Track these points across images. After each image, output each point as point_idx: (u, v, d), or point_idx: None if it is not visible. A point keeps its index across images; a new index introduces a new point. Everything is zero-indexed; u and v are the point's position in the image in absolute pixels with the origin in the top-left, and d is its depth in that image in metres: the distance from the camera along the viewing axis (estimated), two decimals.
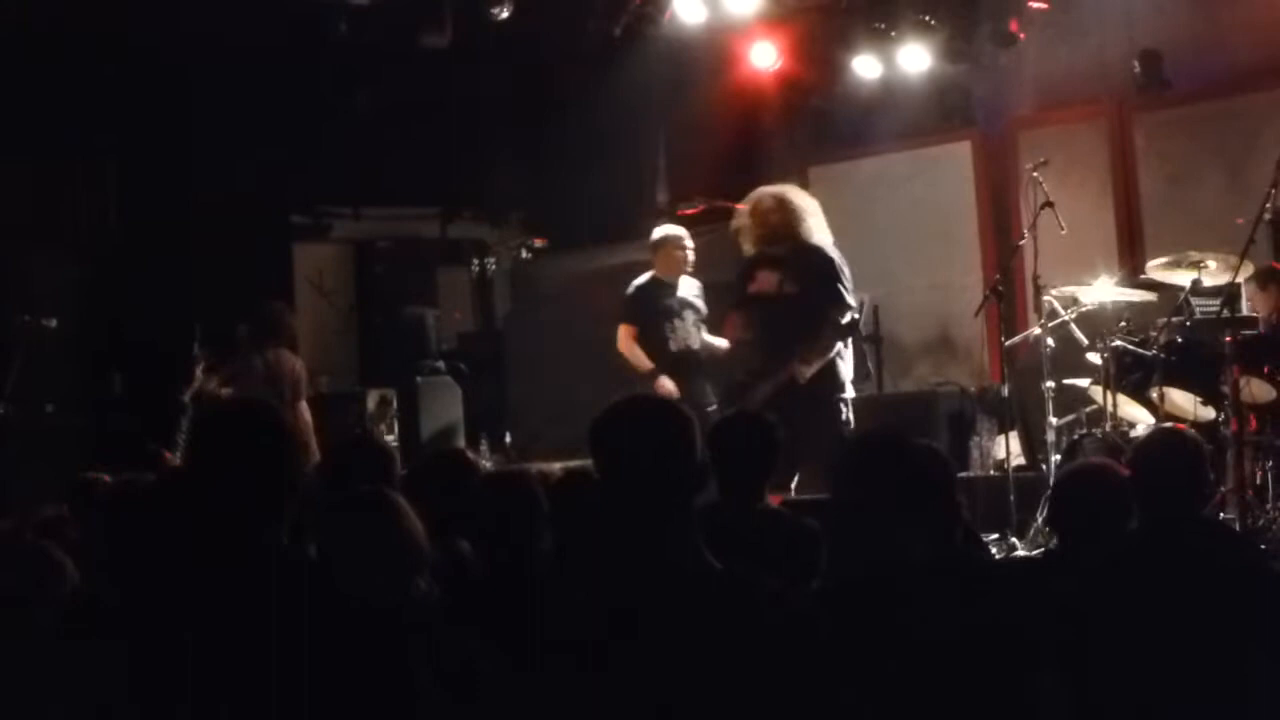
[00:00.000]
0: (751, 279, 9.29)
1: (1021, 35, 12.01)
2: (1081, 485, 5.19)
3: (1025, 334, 10.08)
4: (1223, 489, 8.50)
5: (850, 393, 9.26)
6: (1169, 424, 8.63)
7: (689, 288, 10.00)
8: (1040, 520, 8.78)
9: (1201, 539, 4.75)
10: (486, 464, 11.40)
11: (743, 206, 9.47)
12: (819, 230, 9.28)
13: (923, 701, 3.92)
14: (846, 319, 9.19)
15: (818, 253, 9.19)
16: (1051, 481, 8.32)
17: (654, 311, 9.92)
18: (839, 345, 9.15)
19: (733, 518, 5.44)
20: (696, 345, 9.88)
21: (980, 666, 3.98)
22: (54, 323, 12.05)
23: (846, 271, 9.20)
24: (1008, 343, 10.06)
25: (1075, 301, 9.68)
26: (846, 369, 9.23)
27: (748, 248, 9.42)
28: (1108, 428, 9.10)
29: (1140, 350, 9.14)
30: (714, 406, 9.55)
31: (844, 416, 9.11)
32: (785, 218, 9.21)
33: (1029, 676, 4.07)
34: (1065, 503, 5.30)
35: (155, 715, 3.24)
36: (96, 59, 12.31)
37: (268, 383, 10.91)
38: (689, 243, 9.99)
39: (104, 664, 3.32)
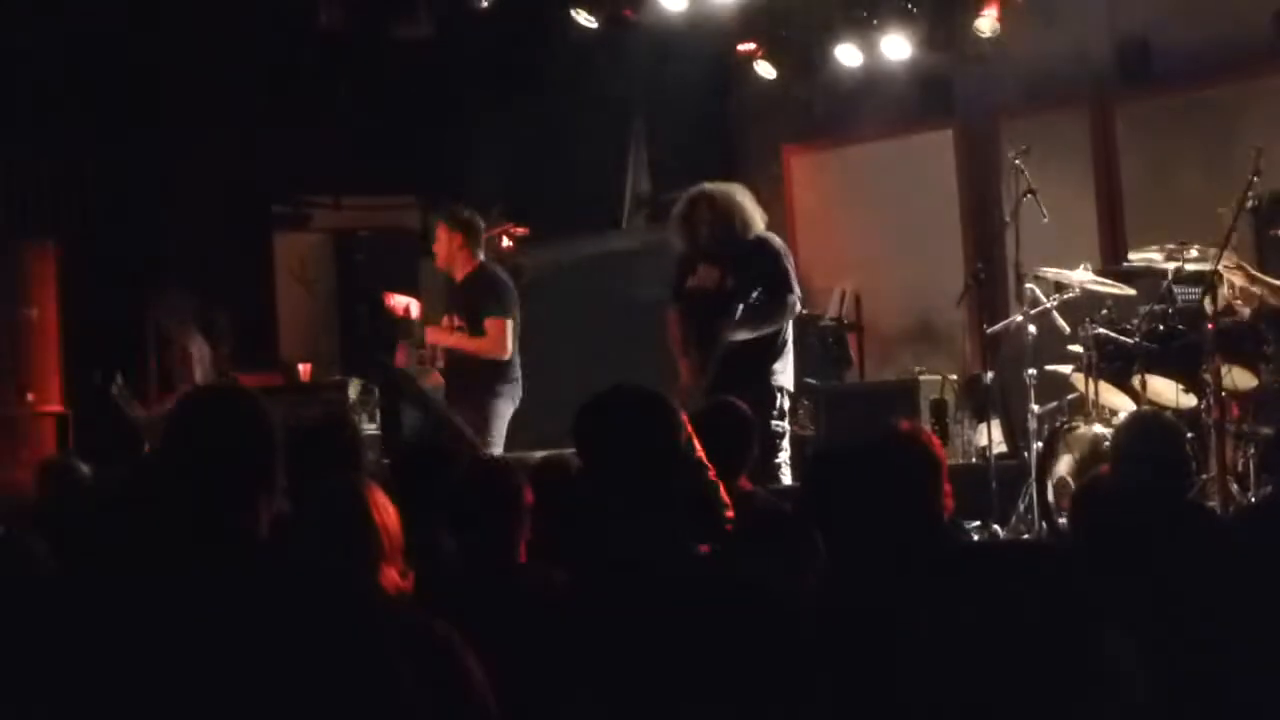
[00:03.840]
0: (691, 273, 9.16)
1: (1002, 24, 11.98)
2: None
3: (1007, 322, 10.07)
4: (1204, 476, 8.51)
5: (786, 384, 9.13)
6: (1147, 408, 8.64)
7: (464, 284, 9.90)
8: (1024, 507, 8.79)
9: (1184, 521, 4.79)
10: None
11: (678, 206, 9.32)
12: (757, 224, 9.14)
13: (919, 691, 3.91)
14: (790, 310, 9.00)
15: (764, 247, 9.06)
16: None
17: None
18: (774, 331, 8.98)
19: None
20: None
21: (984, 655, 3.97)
22: (34, 312, 12.04)
23: (790, 263, 9.07)
24: (990, 330, 10.05)
25: (1058, 288, 9.69)
26: (783, 364, 9.11)
27: (681, 245, 9.28)
28: (1091, 415, 9.10)
29: (1121, 338, 9.14)
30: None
31: (775, 407, 8.97)
32: (723, 214, 9.06)
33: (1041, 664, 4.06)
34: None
35: (133, 704, 3.23)
36: (73, 49, 12.28)
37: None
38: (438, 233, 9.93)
39: (82, 653, 3.30)
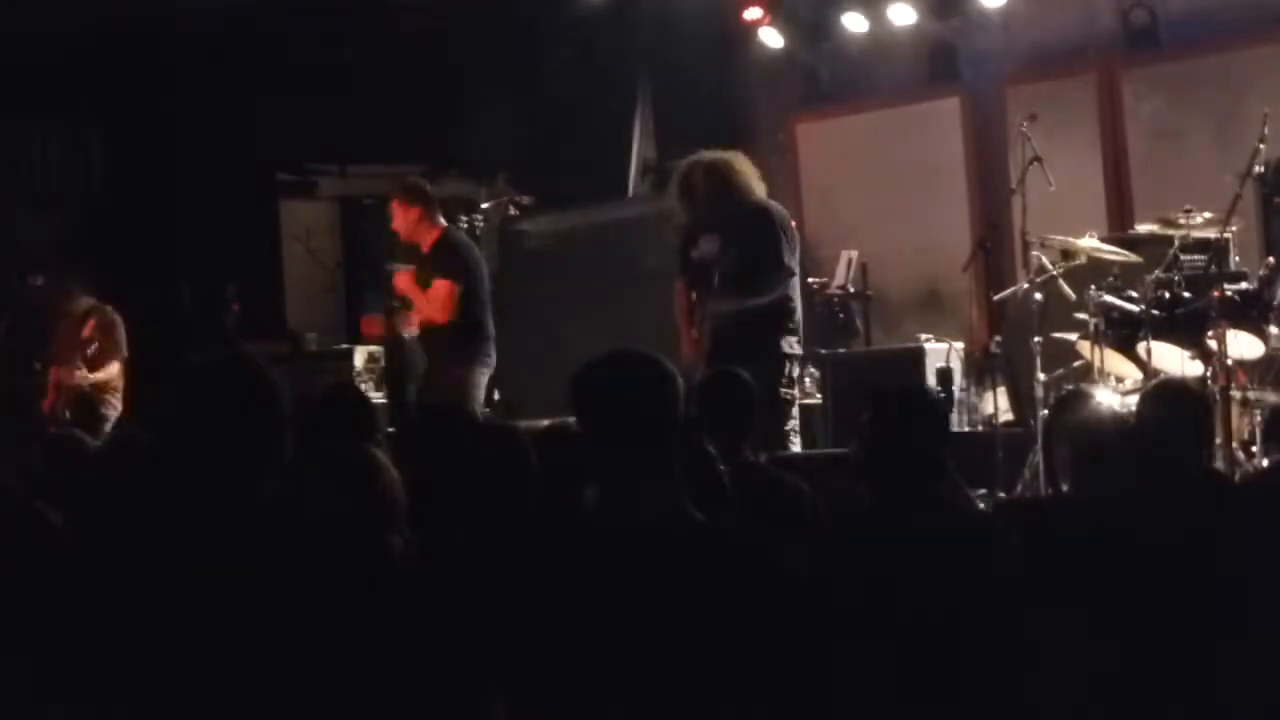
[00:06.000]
0: (694, 245, 9.09)
1: None
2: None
3: (1013, 289, 10.06)
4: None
5: (791, 350, 9.05)
6: (1171, 376, 8.61)
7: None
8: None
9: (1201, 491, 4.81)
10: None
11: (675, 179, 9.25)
12: (755, 191, 9.02)
13: (917, 651, 3.93)
14: (783, 278, 8.92)
15: (759, 215, 8.97)
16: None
17: None
18: (775, 299, 8.85)
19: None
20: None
21: (979, 614, 3.99)
22: (40, 281, 12.04)
23: (789, 230, 8.99)
24: (996, 298, 10.04)
25: (1064, 256, 9.67)
26: (792, 332, 8.95)
27: (683, 217, 9.20)
28: (1095, 382, 9.10)
29: (1127, 305, 9.13)
30: None
31: (784, 375, 8.86)
32: (719, 182, 8.98)
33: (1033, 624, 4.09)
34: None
35: (143, 669, 3.24)
36: (76, 20, 12.26)
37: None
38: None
39: (89, 618, 3.31)
